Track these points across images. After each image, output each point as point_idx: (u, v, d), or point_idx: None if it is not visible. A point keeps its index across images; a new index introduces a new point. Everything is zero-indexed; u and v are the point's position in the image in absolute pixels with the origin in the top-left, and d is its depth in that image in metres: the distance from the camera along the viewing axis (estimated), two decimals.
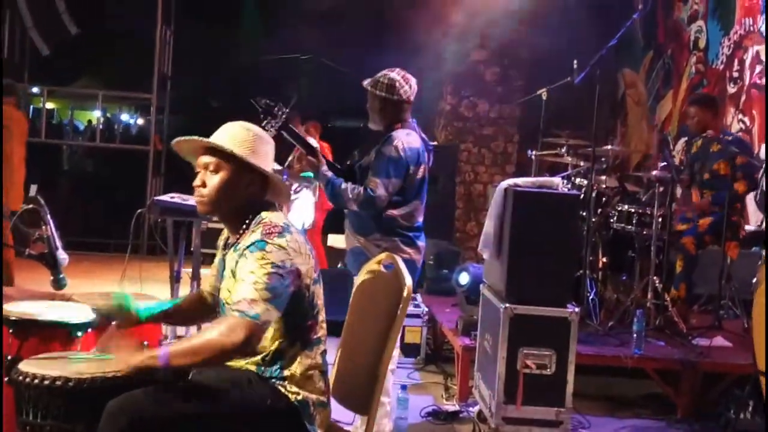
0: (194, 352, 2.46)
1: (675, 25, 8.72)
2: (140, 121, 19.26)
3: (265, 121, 3.89)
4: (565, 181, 5.98)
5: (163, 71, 11.70)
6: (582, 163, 6.05)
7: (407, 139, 3.95)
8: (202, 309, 2.93)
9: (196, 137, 2.70)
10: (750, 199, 6.39)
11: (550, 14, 9.35)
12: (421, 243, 4.07)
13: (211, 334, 2.48)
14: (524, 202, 4.23)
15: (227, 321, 2.50)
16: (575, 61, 5.74)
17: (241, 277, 2.54)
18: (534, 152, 6.53)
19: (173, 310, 2.94)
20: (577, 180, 5.94)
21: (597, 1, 9.01)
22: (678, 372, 4.88)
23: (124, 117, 19.75)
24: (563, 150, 6.31)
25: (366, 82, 4.04)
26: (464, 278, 5.79)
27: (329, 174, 3.96)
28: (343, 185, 3.93)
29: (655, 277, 5.42)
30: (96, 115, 13.86)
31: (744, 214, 6.04)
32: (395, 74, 4.01)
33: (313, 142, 5.50)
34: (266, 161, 2.71)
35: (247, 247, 2.58)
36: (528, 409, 4.09)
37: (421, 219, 4.08)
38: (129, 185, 11.57)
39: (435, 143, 9.70)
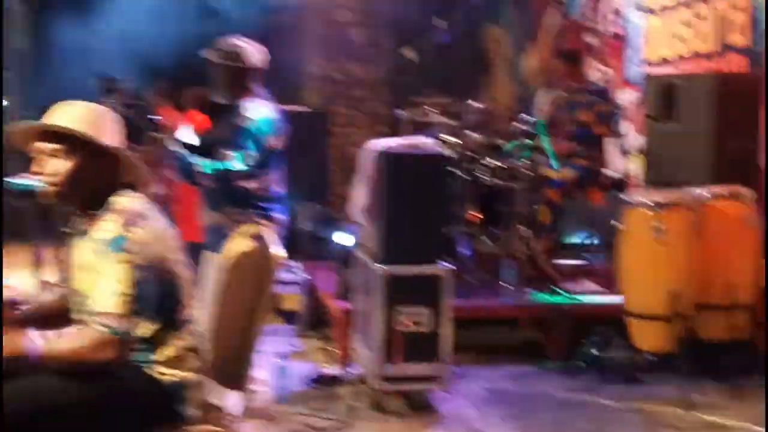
0: (64, 359, 2.39)
1: None
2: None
3: (106, 98, 3.75)
4: (435, 140, 6.03)
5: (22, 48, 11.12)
6: (451, 121, 6.10)
7: (260, 110, 3.88)
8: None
9: (30, 122, 2.52)
10: (612, 147, 6.59)
11: None
12: (278, 215, 4.01)
13: (82, 347, 2.38)
14: (394, 163, 4.24)
15: (94, 335, 2.39)
16: (440, 20, 5.76)
17: (104, 285, 2.42)
18: (403, 112, 6.54)
19: (36, 314, 2.78)
20: (447, 138, 5.98)
21: None
22: (549, 318, 5.02)
23: None
24: (432, 109, 6.34)
25: (209, 53, 3.91)
26: (340, 242, 5.76)
27: (180, 150, 3.84)
28: (196, 160, 3.82)
29: (523, 228, 5.54)
30: None
31: (606, 163, 6.24)
32: (242, 41, 3.91)
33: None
34: (113, 137, 2.56)
35: (105, 244, 2.44)
36: (407, 366, 4.14)
37: (279, 189, 4.01)
38: None
39: (306, 108, 9.69)
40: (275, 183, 3.99)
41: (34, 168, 2.52)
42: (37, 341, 2.38)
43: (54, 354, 2.38)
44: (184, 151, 3.85)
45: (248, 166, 3.83)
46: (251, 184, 3.90)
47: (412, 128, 6.99)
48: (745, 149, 5.11)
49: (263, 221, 3.93)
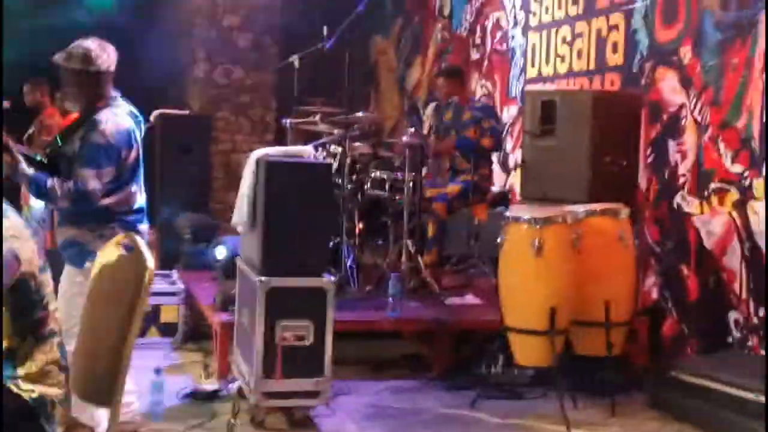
0: None
1: None
2: None
3: None
4: (320, 149, 5.98)
5: None
6: (336, 131, 6.06)
7: (114, 120, 3.61)
8: None
9: None
10: (495, 162, 6.70)
11: None
12: (143, 226, 3.79)
13: None
14: (276, 173, 4.14)
15: None
16: (325, 28, 5.72)
17: None
18: (289, 120, 6.46)
19: None
20: (332, 147, 5.94)
21: None
22: (432, 332, 5.04)
23: None
24: (317, 117, 6.30)
25: (57, 56, 3.62)
26: (221, 252, 5.65)
27: (30, 172, 3.51)
28: (49, 182, 3.52)
29: (408, 241, 5.55)
30: None
31: (491, 178, 6.33)
32: (89, 42, 3.64)
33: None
34: None
35: None
36: (288, 381, 4.04)
37: (140, 201, 3.78)
38: None
39: (189, 111, 9.48)
40: (135, 196, 3.76)
41: None
42: None
43: None
44: (32, 171, 3.53)
45: (104, 184, 3.59)
46: (111, 200, 3.65)
47: (299, 136, 6.93)
48: (620, 166, 5.26)
49: (119, 231, 3.73)
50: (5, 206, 2.42)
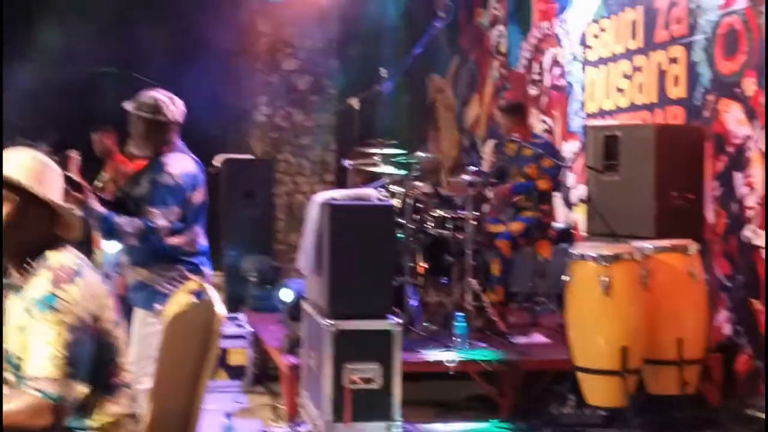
0: None
1: (477, 31, 8.98)
2: None
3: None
4: (381, 190, 6.01)
5: None
6: (397, 171, 6.09)
7: (181, 163, 3.81)
8: None
9: None
10: (558, 198, 6.66)
11: (358, 23, 9.43)
12: (206, 269, 3.94)
13: (15, 412, 2.27)
14: (340, 216, 4.19)
15: (29, 401, 2.28)
16: (383, 70, 5.78)
17: (37, 347, 2.31)
18: (349, 162, 6.52)
19: None
20: (393, 188, 5.96)
21: (405, 9, 9.16)
22: (500, 372, 4.99)
23: None
24: (378, 158, 6.34)
25: (128, 104, 3.83)
26: (286, 295, 5.68)
27: (100, 209, 3.68)
28: (118, 219, 3.69)
29: (472, 280, 5.52)
30: None
31: (552, 215, 6.28)
32: (160, 94, 3.86)
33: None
34: (55, 192, 2.49)
35: (36, 303, 2.34)
36: (357, 425, 4.05)
37: (204, 243, 3.94)
38: None
39: (251, 155, 9.62)
40: (200, 237, 3.91)
41: None
42: None
43: None
44: (104, 210, 3.70)
45: (171, 222, 3.74)
46: (177, 240, 3.80)
47: (359, 177, 6.98)
48: (687, 200, 5.18)
49: (193, 276, 3.84)
50: (84, 264, 2.47)
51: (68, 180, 3.63)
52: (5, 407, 2.29)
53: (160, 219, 3.70)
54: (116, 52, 11.86)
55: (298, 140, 10.03)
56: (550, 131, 7.43)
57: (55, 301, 2.33)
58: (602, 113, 6.65)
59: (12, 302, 2.46)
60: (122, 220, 3.69)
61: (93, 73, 11.83)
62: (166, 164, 3.77)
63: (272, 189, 8.32)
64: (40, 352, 2.30)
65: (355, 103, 6.40)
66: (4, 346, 2.46)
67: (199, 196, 3.87)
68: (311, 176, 10.10)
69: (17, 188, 2.41)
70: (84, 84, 11.59)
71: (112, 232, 3.71)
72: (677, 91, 5.77)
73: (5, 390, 2.42)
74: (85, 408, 2.44)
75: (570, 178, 6.98)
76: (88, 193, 3.68)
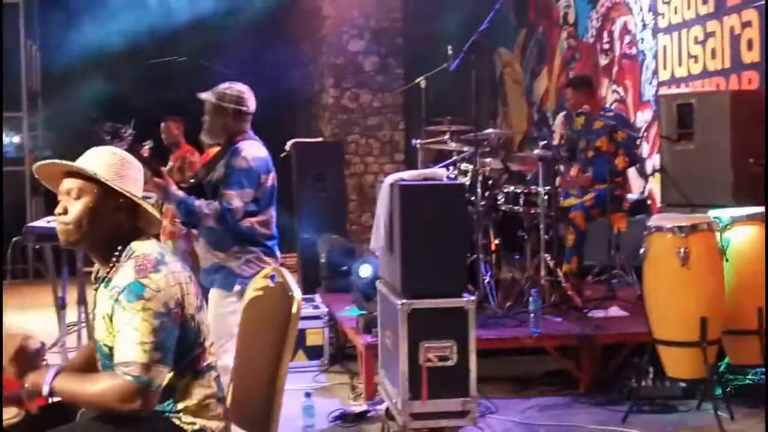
0: (81, 400, 2.41)
1: (544, 2, 8.86)
2: (16, 140, 18.50)
3: (113, 145, 3.76)
4: (451, 168, 6.01)
5: (33, 87, 11.23)
6: (466, 149, 6.07)
7: (254, 149, 3.97)
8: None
9: (57, 161, 2.53)
10: (632, 169, 6.55)
11: (422, 0, 9.38)
12: (278, 253, 4.08)
13: (104, 395, 2.36)
14: (411, 197, 4.20)
15: (119, 383, 2.36)
16: (449, 47, 5.75)
17: (124, 334, 2.39)
18: (418, 141, 6.52)
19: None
20: (463, 165, 5.96)
21: None
22: (577, 346, 4.96)
23: None
24: (447, 137, 6.33)
25: (207, 95, 3.98)
26: (365, 271, 5.72)
27: (180, 193, 3.85)
28: (197, 202, 3.85)
29: (546, 255, 5.49)
30: None
31: (626, 186, 6.19)
32: (241, 86, 4.02)
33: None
34: (135, 186, 2.57)
35: (122, 291, 2.41)
36: (434, 402, 4.07)
37: (275, 229, 4.07)
38: (9, 207, 11.10)
39: (321, 138, 9.70)
40: (273, 220, 4.06)
41: (58, 208, 2.52)
42: (50, 376, 2.38)
43: (67, 394, 2.40)
44: (183, 194, 3.85)
45: (246, 203, 3.88)
46: (253, 221, 3.94)
47: (428, 156, 6.98)
48: (764, 167, 5.04)
49: (267, 259, 3.95)
50: (167, 253, 2.55)
51: (150, 166, 3.78)
52: (94, 388, 2.38)
53: (236, 200, 3.84)
54: (184, 40, 12.07)
55: (366, 121, 10.06)
56: (622, 101, 7.31)
57: (140, 289, 2.40)
58: (675, 81, 6.51)
59: (99, 293, 2.54)
60: (201, 203, 3.83)
61: (162, 63, 12.06)
62: (240, 149, 3.92)
63: (343, 170, 8.41)
64: (128, 338, 2.37)
65: (423, 82, 6.40)
66: (95, 336, 2.56)
67: (271, 181, 4.01)
68: (380, 156, 10.13)
69: (97, 182, 2.49)
70: (153, 73, 11.83)
71: (191, 214, 3.84)
72: (751, 56, 5.62)
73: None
74: (173, 392, 2.51)
75: (644, 149, 6.86)
76: (168, 178, 3.83)
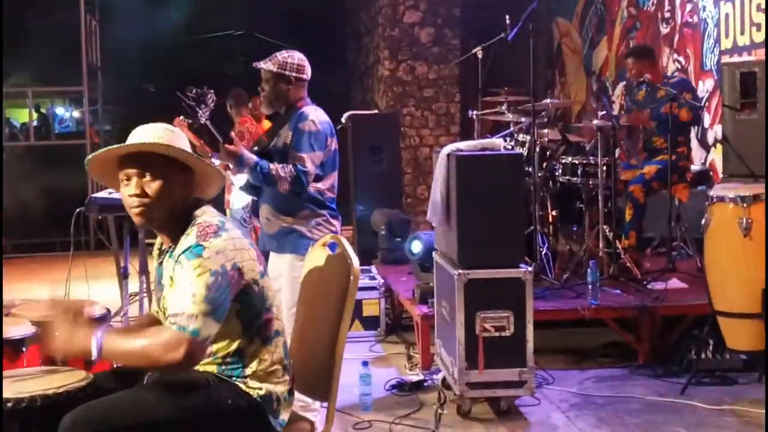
0: (129, 356, 2.42)
1: None
2: (76, 114, 18.87)
3: (198, 110, 3.80)
4: (508, 139, 5.96)
5: (92, 62, 11.41)
6: (523, 119, 6.02)
7: (319, 113, 3.98)
8: None
9: (137, 142, 2.53)
10: (693, 139, 6.43)
11: None
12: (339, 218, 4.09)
13: (150, 344, 2.39)
14: (468, 167, 4.19)
15: (166, 334, 2.39)
16: (507, 17, 5.69)
17: (179, 287, 2.44)
18: (475, 112, 6.48)
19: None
20: (520, 136, 5.91)
21: None
22: (636, 318, 4.91)
23: (59, 111, 19.31)
24: (504, 107, 6.28)
25: (267, 64, 3.97)
26: (416, 246, 5.74)
27: (254, 157, 3.87)
28: (271, 166, 3.85)
29: (605, 226, 5.43)
30: (31, 112, 13.46)
31: (689, 156, 6.08)
32: (299, 54, 4.02)
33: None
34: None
35: (183, 252, 2.46)
36: (491, 372, 4.09)
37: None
38: (70, 181, 11.34)
39: (376, 111, 9.70)
40: (336, 183, 4.07)
41: (123, 190, 2.54)
42: (99, 337, 2.39)
43: (116, 350, 2.41)
44: (256, 158, 3.87)
45: (317, 166, 3.89)
46: (321, 186, 3.96)
47: (485, 127, 6.94)
48: None
49: (334, 222, 3.99)
50: (227, 221, 2.58)
51: (223, 134, 3.83)
52: (140, 341, 2.40)
53: (309, 162, 3.86)
54: (240, 14, 12.13)
55: (421, 93, 10.02)
56: (683, 70, 7.16)
57: (200, 250, 2.44)
58: (737, 49, 6.35)
59: (167, 263, 2.59)
60: (275, 166, 3.85)
61: (220, 36, 12.15)
62: (307, 113, 3.93)
63: (398, 143, 8.40)
64: (181, 291, 2.42)
65: (479, 52, 6.34)
66: (161, 305, 2.60)
67: (335, 145, 4.02)
68: (436, 128, 10.09)
69: (166, 158, 2.51)
70: (211, 47, 11.94)
71: (267, 178, 3.85)
72: None
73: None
74: (242, 357, 2.56)
75: (706, 118, 6.72)
76: (240, 145, 3.86)
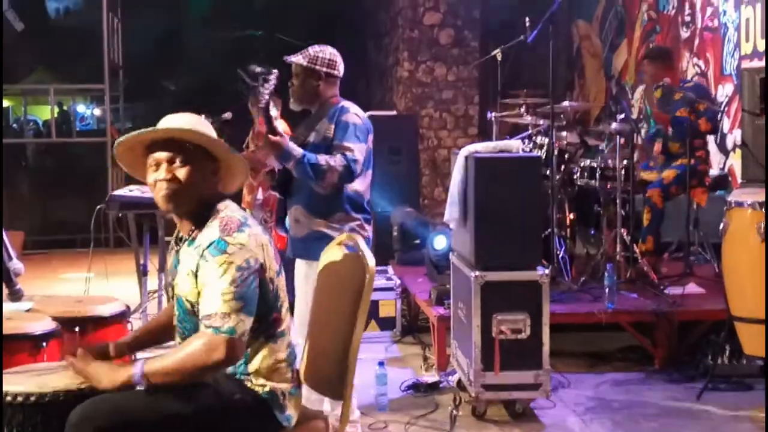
0: (174, 372, 2.44)
1: None
2: (97, 112, 19.01)
3: (261, 87, 3.62)
4: (526, 141, 5.96)
5: (114, 60, 11.50)
6: (542, 122, 6.02)
7: (358, 109, 3.82)
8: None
9: (169, 127, 2.57)
10: (712, 143, 6.40)
11: None
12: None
13: (190, 353, 2.43)
14: (485, 169, 4.20)
15: (204, 338, 2.43)
16: (527, 19, 5.69)
17: (208, 287, 2.46)
18: (493, 114, 6.48)
19: (144, 333, 2.88)
20: (539, 139, 5.91)
21: None
22: (653, 323, 4.90)
23: (80, 109, 19.47)
24: (522, 110, 6.28)
25: (297, 58, 3.77)
26: (440, 242, 5.71)
27: (299, 149, 3.64)
28: (319, 157, 3.62)
29: (622, 230, 5.43)
30: (54, 109, 13.57)
31: (708, 161, 6.05)
32: (332, 49, 3.84)
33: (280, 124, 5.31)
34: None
35: (207, 247, 2.49)
36: (506, 374, 4.09)
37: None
38: (91, 178, 11.43)
39: (395, 112, 9.71)
40: (370, 184, 3.89)
41: (152, 176, 2.56)
42: (140, 364, 2.44)
43: (158, 370, 2.44)
44: (301, 150, 3.63)
45: (364, 158, 3.69)
46: (358, 187, 3.76)
47: (503, 129, 6.94)
48: None
49: (368, 227, 3.81)
50: (249, 217, 2.60)
51: (269, 124, 3.63)
52: (182, 352, 2.44)
53: (357, 153, 3.66)
54: (260, 14, 12.19)
55: (440, 95, 10.02)
56: (703, 74, 7.14)
57: (224, 245, 2.47)
58: (757, 54, 6.32)
59: (185, 251, 2.61)
60: (324, 157, 3.63)
61: (241, 36, 12.20)
62: (348, 107, 3.77)
63: (416, 144, 8.42)
64: (211, 290, 2.45)
65: (499, 54, 6.34)
66: (176, 292, 2.63)
67: (371, 142, 3.83)
68: (454, 130, 10.09)
69: (189, 146, 2.53)
70: (232, 47, 11.99)
71: (315, 169, 3.60)
72: None
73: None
74: (247, 354, 2.57)
75: (725, 123, 6.70)
76: (285, 136, 3.66)
